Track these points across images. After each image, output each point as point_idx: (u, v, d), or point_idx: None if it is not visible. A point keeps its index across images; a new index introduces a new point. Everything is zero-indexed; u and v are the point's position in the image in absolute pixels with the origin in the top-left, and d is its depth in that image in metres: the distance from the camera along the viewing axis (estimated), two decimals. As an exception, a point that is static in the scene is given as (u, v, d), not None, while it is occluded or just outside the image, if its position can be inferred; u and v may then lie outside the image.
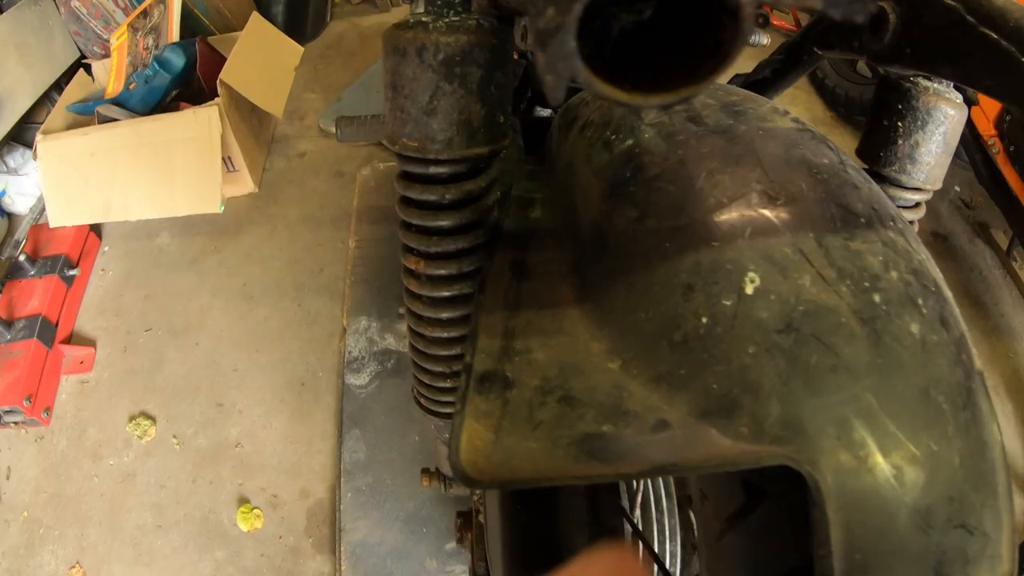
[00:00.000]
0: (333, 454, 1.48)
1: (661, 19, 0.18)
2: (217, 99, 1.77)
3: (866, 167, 0.58)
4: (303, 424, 1.54)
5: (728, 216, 0.35)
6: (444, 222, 0.50)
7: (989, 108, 1.79)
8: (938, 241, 2.12)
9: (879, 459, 0.31)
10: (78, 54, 2.19)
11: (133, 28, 2.03)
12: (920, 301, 0.34)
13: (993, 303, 1.99)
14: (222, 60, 1.88)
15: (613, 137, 0.45)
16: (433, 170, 0.48)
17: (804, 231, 0.34)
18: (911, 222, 0.60)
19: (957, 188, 2.21)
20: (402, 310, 1.87)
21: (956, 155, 0.59)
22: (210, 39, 2.07)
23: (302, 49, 2.18)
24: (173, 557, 1.37)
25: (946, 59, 0.46)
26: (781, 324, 0.31)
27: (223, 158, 1.81)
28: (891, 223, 0.37)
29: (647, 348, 0.35)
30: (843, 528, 0.31)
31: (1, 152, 1.97)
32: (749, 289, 0.32)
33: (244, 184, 2.01)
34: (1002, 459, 0.35)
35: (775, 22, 2.42)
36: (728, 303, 0.32)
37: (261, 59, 1.98)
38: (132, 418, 1.54)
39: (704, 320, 0.32)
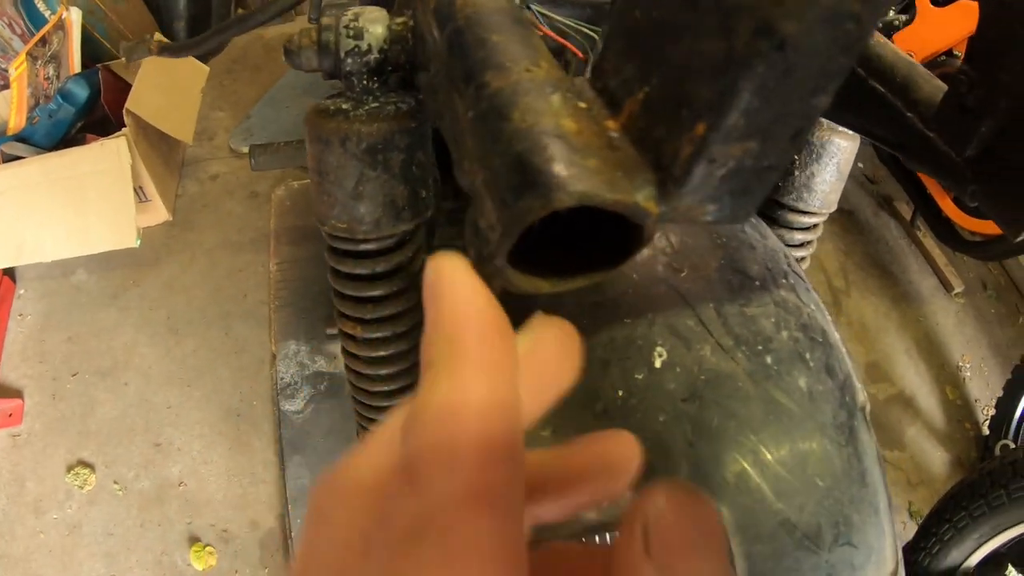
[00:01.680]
0: (278, 482, 1.48)
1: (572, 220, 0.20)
2: (125, 129, 1.71)
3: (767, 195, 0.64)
4: (244, 455, 1.53)
5: (638, 292, 0.39)
6: (376, 291, 0.53)
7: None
8: (844, 216, 2.24)
9: (772, 500, 0.36)
10: (-26, 86, 2.07)
11: (32, 57, 1.93)
12: (808, 355, 0.39)
13: (901, 271, 2.12)
14: (126, 87, 1.82)
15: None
16: (363, 247, 0.51)
17: (705, 301, 0.39)
18: (809, 241, 0.67)
19: (860, 164, 2.33)
20: (330, 331, 1.83)
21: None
22: (112, 63, 1.99)
23: (207, 69, 2.12)
24: (130, 604, 1.34)
25: (840, 107, 0.47)
26: (687, 393, 0.36)
27: (135, 188, 1.76)
28: (783, 280, 0.42)
29: (573, 418, 0.39)
30: (746, 557, 0.37)
31: None
32: (658, 363, 0.36)
33: (158, 213, 1.95)
34: (881, 480, 0.41)
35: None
36: (640, 377, 0.36)
37: (167, 83, 1.92)
38: (70, 468, 1.50)
39: (620, 393, 0.37)
